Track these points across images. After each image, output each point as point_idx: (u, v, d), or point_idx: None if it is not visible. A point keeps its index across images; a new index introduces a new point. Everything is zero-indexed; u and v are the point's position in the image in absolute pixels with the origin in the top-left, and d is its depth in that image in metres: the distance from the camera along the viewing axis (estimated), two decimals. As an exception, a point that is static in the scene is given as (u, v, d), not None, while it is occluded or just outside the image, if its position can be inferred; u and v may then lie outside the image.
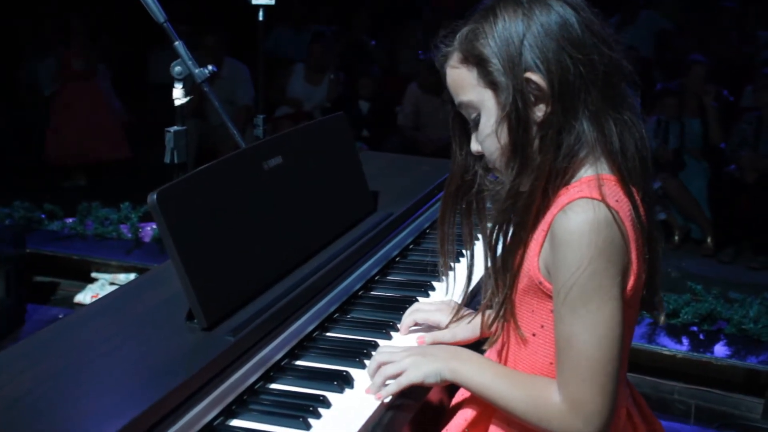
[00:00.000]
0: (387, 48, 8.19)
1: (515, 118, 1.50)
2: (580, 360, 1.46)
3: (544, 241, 1.52)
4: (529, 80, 1.49)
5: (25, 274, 4.78)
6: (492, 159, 1.59)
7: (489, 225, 1.64)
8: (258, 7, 3.60)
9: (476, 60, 1.54)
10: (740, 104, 6.61)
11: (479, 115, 1.57)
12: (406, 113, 6.90)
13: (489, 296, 1.67)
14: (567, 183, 1.52)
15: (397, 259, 2.36)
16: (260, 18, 3.63)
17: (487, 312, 1.72)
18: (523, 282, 1.57)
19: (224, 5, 8.45)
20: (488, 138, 1.56)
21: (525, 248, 1.56)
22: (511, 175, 1.54)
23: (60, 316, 4.53)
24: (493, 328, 1.68)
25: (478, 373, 1.60)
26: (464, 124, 1.65)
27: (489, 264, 1.64)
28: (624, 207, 1.48)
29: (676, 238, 6.07)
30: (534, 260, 1.54)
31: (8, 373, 1.54)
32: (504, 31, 1.51)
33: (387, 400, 1.66)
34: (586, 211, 1.45)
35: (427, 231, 2.57)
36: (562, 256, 1.46)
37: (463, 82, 1.58)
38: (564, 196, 1.49)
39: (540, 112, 1.51)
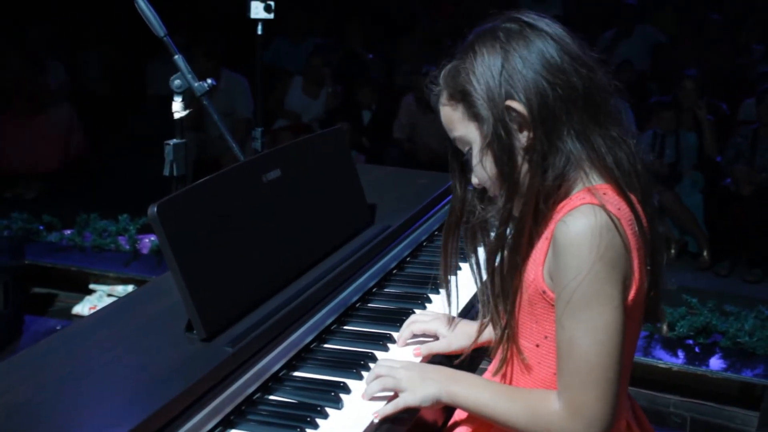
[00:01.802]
0: (384, 61, 8.21)
1: (498, 147, 1.55)
2: (581, 365, 1.48)
3: (548, 250, 1.55)
4: (509, 108, 1.54)
5: (23, 285, 4.79)
6: (489, 190, 1.64)
7: (485, 252, 1.69)
8: (256, 20, 3.62)
9: (460, 96, 1.59)
10: (736, 118, 6.63)
11: (471, 148, 1.62)
12: (402, 125, 6.91)
13: (488, 320, 1.71)
14: (563, 199, 1.55)
15: (395, 271, 2.38)
16: (259, 32, 3.66)
17: (487, 332, 1.76)
18: (527, 293, 1.60)
19: (222, 17, 8.48)
20: (477, 168, 1.61)
21: (521, 272, 1.60)
22: (521, 194, 1.57)
23: (58, 328, 4.54)
24: (498, 353, 1.70)
25: (475, 393, 1.61)
26: (461, 159, 1.70)
27: (488, 291, 1.68)
28: (625, 215, 1.51)
29: (673, 251, 6.08)
30: (539, 270, 1.56)
31: (9, 381, 1.56)
32: (482, 66, 1.56)
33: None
34: (587, 217, 1.48)
35: (424, 244, 2.59)
36: (563, 261, 1.49)
37: (452, 118, 1.63)
38: (566, 206, 1.53)
39: (524, 138, 1.55)
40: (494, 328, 1.69)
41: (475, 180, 1.66)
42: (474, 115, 1.58)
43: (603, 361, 1.47)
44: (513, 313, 1.63)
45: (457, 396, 1.62)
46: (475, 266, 1.75)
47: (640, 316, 1.61)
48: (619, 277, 1.48)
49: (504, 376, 1.69)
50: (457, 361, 1.84)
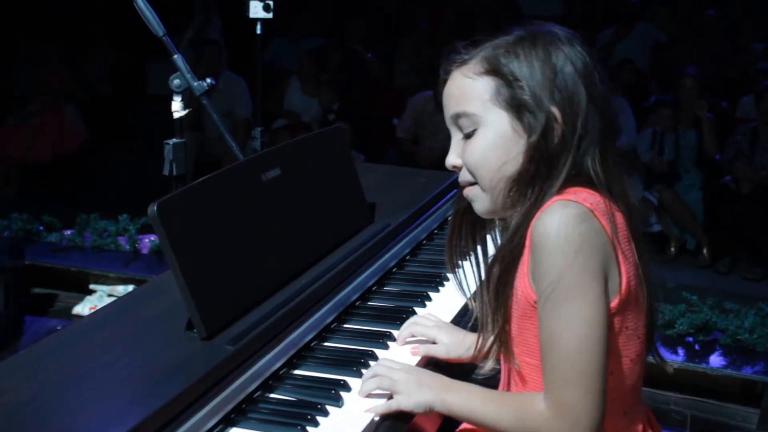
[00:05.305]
0: (383, 60, 8.21)
1: (539, 150, 1.52)
2: (562, 362, 1.45)
3: (529, 258, 1.52)
4: (552, 115, 1.52)
5: (24, 285, 4.78)
6: (485, 178, 1.59)
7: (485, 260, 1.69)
8: (256, 20, 3.63)
9: (503, 77, 1.54)
10: (735, 116, 6.64)
11: (475, 130, 1.58)
12: (406, 126, 6.88)
13: (488, 329, 1.67)
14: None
15: (394, 269, 2.38)
16: (258, 31, 3.66)
17: (488, 344, 1.72)
18: (519, 307, 1.57)
19: (222, 18, 8.48)
20: (489, 157, 1.56)
21: (513, 281, 1.57)
22: (525, 203, 1.53)
23: (58, 328, 4.53)
24: (491, 361, 1.69)
25: (467, 401, 1.60)
26: None
27: (484, 299, 1.65)
28: (599, 207, 1.48)
29: (673, 249, 6.09)
30: (525, 281, 1.54)
31: (10, 381, 1.56)
32: (540, 61, 1.53)
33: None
34: (558, 212, 1.46)
35: (424, 242, 2.59)
36: (539, 259, 1.47)
37: (473, 93, 1.57)
38: (540, 210, 1.50)
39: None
40: (489, 334, 1.66)
41: (456, 161, 1.63)
42: (512, 104, 1.54)
43: (584, 357, 1.44)
44: (505, 321, 1.60)
45: (450, 404, 1.61)
46: (474, 264, 1.75)
47: (639, 307, 1.56)
48: (598, 266, 1.45)
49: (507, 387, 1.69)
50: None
